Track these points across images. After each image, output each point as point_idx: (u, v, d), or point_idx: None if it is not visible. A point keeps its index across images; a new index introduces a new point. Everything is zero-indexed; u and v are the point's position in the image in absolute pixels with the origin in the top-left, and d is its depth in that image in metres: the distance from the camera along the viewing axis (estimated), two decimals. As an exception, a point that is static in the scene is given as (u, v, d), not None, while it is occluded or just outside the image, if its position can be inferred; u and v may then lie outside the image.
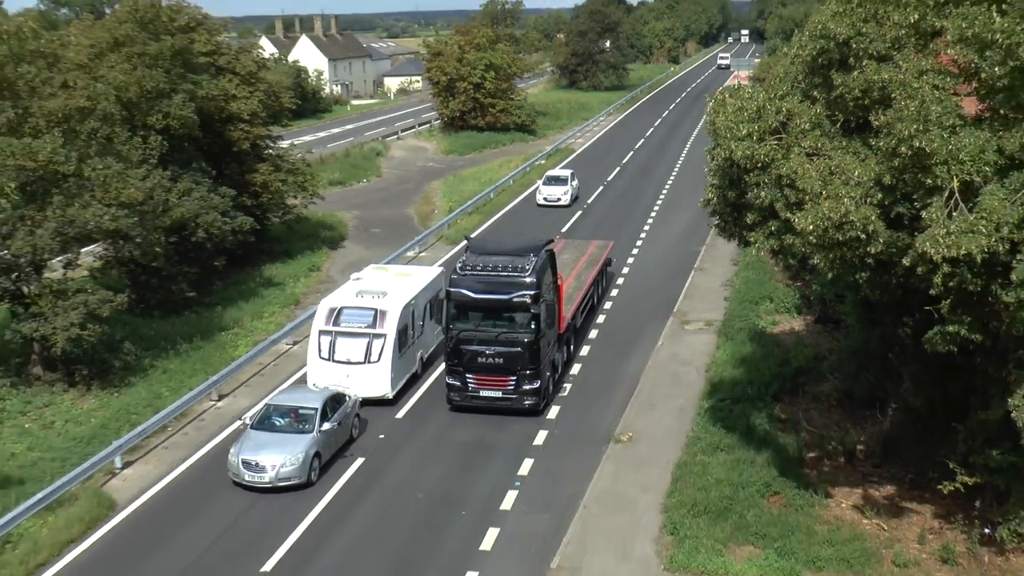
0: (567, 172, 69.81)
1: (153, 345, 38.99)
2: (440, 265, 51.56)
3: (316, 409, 29.20)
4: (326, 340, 33.64)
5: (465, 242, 36.34)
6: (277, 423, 29.27)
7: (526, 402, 31.85)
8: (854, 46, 21.45)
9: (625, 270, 50.72)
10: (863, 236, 20.35)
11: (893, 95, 20.15)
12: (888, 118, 20.00)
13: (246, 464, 27.68)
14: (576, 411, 33.58)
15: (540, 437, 31.42)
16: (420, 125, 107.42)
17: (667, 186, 73.24)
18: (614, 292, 46.94)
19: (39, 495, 26.79)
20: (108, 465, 29.56)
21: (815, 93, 23.27)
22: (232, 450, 28.48)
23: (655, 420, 32.50)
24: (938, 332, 21.41)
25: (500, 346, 31.54)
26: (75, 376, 35.62)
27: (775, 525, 25.35)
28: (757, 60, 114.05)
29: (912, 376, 26.89)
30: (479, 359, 31.71)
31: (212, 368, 37.14)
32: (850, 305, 31.43)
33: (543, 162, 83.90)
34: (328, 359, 33.46)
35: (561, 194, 66.27)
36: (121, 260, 40.02)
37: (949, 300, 20.49)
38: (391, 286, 35.99)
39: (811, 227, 20.64)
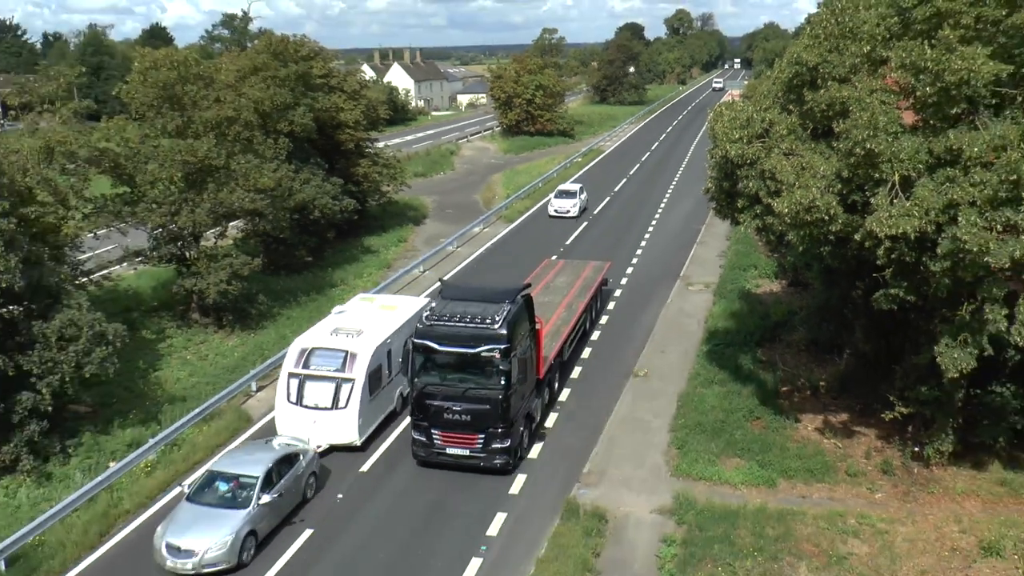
0: (576, 186, 61.17)
1: (280, 297, 39.44)
2: (495, 240, 52.21)
3: (257, 478, 21.01)
4: (295, 383, 25.65)
5: (439, 284, 27.88)
6: (217, 491, 21.11)
7: (496, 461, 23.81)
8: (821, 70, 21.33)
9: (643, 243, 50.29)
10: (826, 218, 20.35)
11: (850, 108, 20.16)
12: (846, 126, 20.02)
13: (169, 548, 19.85)
14: (604, 352, 33.49)
15: (575, 372, 31.40)
16: (484, 131, 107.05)
17: (676, 178, 72.42)
18: (634, 260, 46.45)
19: (197, 410, 27.50)
20: (246, 389, 30.09)
21: (791, 107, 23.10)
22: (158, 531, 20.46)
23: (665, 360, 32.42)
24: (882, 294, 21.49)
25: (467, 402, 23.45)
26: (222, 320, 36.18)
27: (757, 442, 25.45)
28: (746, 82, 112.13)
29: (863, 328, 26.81)
30: (445, 415, 23.65)
31: (324, 315, 36.79)
32: (816, 272, 31.23)
33: (579, 159, 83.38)
34: (296, 404, 25.53)
35: (570, 207, 58.10)
36: (257, 232, 40.41)
37: (891, 269, 20.59)
38: (369, 322, 27.87)
39: (786, 210, 20.65)
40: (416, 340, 23.73)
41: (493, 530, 21.60)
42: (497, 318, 23.38)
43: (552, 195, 60.97)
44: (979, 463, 23.68)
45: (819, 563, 19.99)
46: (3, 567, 19.92)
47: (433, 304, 25.21)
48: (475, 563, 20.25)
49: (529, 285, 26.63)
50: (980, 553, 20.19)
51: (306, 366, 25.77)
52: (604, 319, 37.16)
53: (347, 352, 25.77)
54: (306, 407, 25.42)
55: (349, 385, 25.27)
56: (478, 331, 23.22)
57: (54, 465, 24.50)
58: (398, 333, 27.56)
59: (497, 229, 54.92)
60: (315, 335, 27.13)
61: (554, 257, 42.06)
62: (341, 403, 25.21)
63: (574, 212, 58.12)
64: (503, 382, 23.18)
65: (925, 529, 21.27)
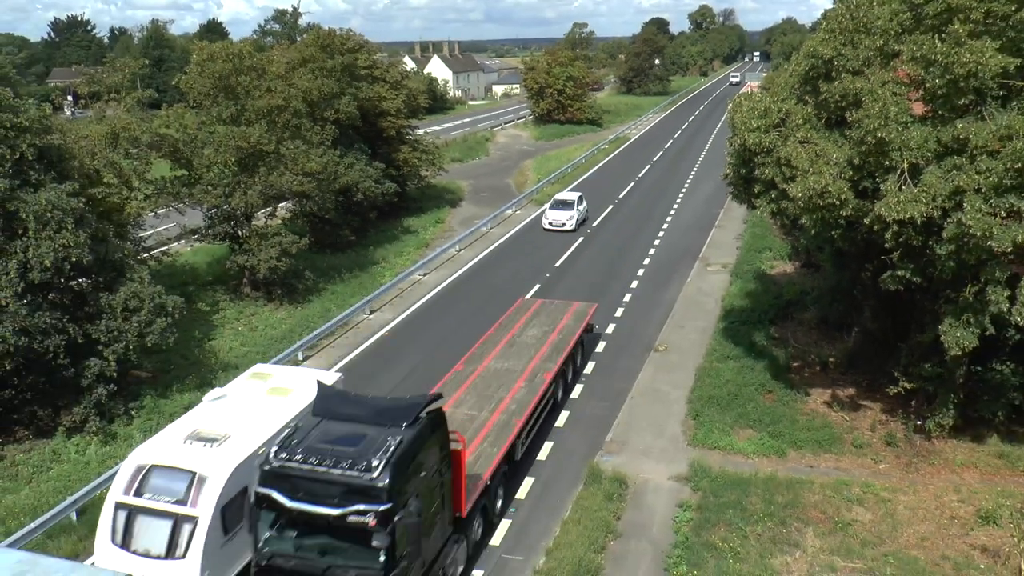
0: (574, 195, 50.60)
1: (325, 274, 39.59)
2: (526, 222, 52.07)
3: None
4: (122, 517, 16.06)
5: (316, 385, 17.37)
6: None
7: None
8: (836, 63, 21.05)
9: (665, 226, 49.92)
10: (838, 203, 20.10)
11: (863, 99, 19.84)
12: (859, 116, 19.71)
13: None
14: (626, 328, 33.33)
15: (600, 346, 31.24)
16: (518, 119, 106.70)
17: (696, 165, 71.69)
18: (656, 242, 46.07)
19: (249, 376, 27.39)
20: (293, 357, 30.07)
21: (806, 97, 22.82)
22: None
23: (683, 335, 32.24)
24: (890, 275, 21.15)
25: None
26: (272, 294, 36.38)
27: (768, 414, 25.28)
28: (764, 74, 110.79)
29: (871, 308, 26.51)
30: None
31: (366, 291, 37.60)
32: (827, 254, 30.79)
33: (606, 146, 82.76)
34: (121, 547, 15.92)
35: (566, 219, 48.09)
36: (304, 213, 40.74)
37: (898, 252, 20.33)
38: (245, 418, 18.12)
39: (800, 195, 20.41)
40: (259, 489, 14.69)
41: (522, 493, 21.70)
42: (376, 462, 14.15)
43: (547, 205, 51.21)
44: (978, 436, 23.39)
45: (825, 529, 19.90)
46: (75, 517, 20.39)
47: (295, 425, 15.92)
48: (505, 523, 20.38)
49: (440, 396, 16.89)
50: (977, 521, 19.99)
51: (139, 493, 16.29)
52: (628, 296, 36.85)
53: (195, 475, 16.26)
54: (134, 553, 15.97)
55: (191, 525, 15.81)
56: (347, 480, 14.09)
57: (119, 425, 24.96)
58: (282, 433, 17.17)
59: (528, 212, 54.77)
60: (162, 443, 17.26)
61: (529, 296, 33.18)
62: (178, 551, 15.80)
63: (571, 225, 48.29)
64: (382, 560, 14.09)
65: (926, 498, 21.08)
